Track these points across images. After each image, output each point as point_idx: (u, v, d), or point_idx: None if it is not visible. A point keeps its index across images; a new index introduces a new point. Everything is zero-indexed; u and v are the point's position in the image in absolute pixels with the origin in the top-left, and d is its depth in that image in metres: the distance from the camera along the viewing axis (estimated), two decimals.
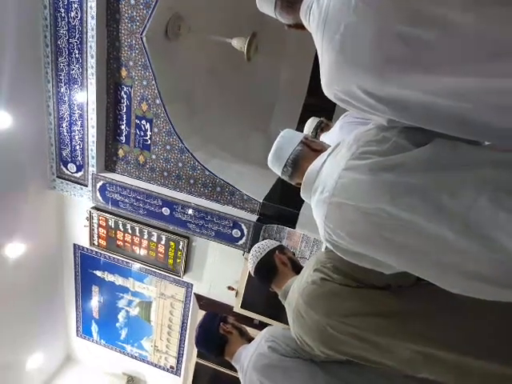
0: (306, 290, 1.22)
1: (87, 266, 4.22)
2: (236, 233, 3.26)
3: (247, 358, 1.38)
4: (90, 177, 3.44)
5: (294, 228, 3.08)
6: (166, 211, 3.37)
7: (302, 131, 2.36)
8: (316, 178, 1.08)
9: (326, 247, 1.15)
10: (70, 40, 2.90)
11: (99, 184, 3.44)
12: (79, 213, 3.80)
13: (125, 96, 3.10)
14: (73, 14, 2.79)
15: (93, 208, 3.66)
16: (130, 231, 3.71)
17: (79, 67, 2.98)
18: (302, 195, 1.16)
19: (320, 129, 2.60)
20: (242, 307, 3.66)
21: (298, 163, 1.20)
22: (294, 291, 1.29)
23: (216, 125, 3.68)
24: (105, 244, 3.87)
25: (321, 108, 2.93)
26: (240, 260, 3.46)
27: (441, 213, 0.85)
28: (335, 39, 0.94)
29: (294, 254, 1.56)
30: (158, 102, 3.02)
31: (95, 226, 3.77)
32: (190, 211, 3.29)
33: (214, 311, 1.70)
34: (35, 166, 3.41)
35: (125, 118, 3.19)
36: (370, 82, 0.92)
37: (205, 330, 1.53)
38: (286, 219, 3.11)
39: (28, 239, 3.58)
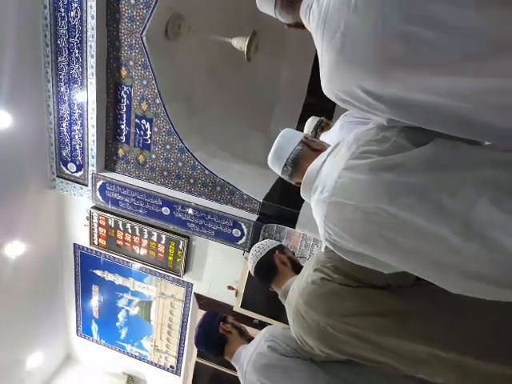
0: (305, 290, 1.22)
1: (87, 266, 4.22)
2: (236, 232, 3.26)
3: (247, 357, 1.38)
4: (89, 176, 3.44)
5: (294, 228, 3.08)
6: (166, 211, 3.37)
7: (302, 131, 2.36)
8: (316, 178, 1.08)
9: (326, 247, 1.15)
10: (70, 39, 2.90)
11: (99, 183, 3.44)
12: (79, 212, 3.80)
13: (125, 95, 3.10)
14: (73, 14, 2.79)
15: (93, 207, 3.66)
16: (130, 231, 3.71)
17: (79, 67, 2.98)
18: (302, 195, 1.17)
19: (320, 128, 2.60)
20: (241, 307, 3.66)
21: (297, 163, 1.20)
22: (294, 291, 1.29)
23: (216, 124, 3.68)
24: (105, 243, 3.87)
25: (321, 108, 2.93)
26: (240, 260, 3.46)
27: (441, 213, 0.85)
28: (335, 38, 0.94)
29: (294, 254, 1.56)
30: (157, 101, 3.02)
31: (95, 225, 3.77)
32: (190, 211, 3.29)
33: (214, 311, 1.70)
34: (35, 166, 3.41)
35: (125, 118, 3.19)
36: (370, 81, 0.92)
37: (204, 329, 1.53)
38: (285, 219, 3.11)
39: (28, 239, 3.58)
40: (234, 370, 1.48)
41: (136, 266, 3.99)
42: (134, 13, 2.75)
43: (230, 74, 3.78)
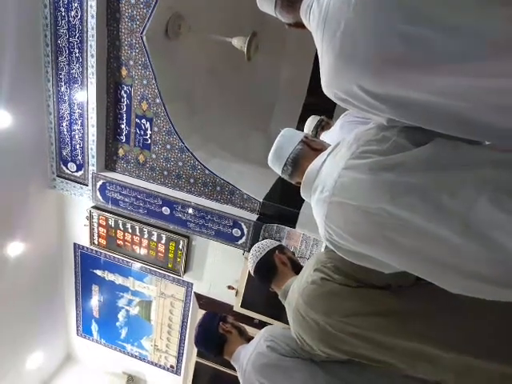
0: (306, 290, 1.22)
1: (87, 266, 4.22)
2: (236, 232, 3.26)
3: (246, 357, 1.38)
4: (90, 176, 3.44)
5: (294, 227, 3.08)
6: (166, 210, 3.37)
7: (303, 131, 2.36)
8: (316, 177, 1.08)
9: (326, 247, 1.15)
10: (70, 39, 2.90)
11: (99, 183, 3.44)
12: (79, 212, 3.80)
13: (125, 95, 3.10)
14: (73, 13, 2.79)
15: (93, 207, 3.66)
16: (130, 230, 3.71)
17: (79, 66, 2.98)
18: (302, 194, 1.16)
19: (320, 127, 2.60)
20: (241, 306, 3.66)
21: (298, 162, 1.20)
22: (294, 291, 1.29)
23: (216, 124, 3.68)
24: (105, 243, 3.87)
25: (321, 107, 2.92)
26: (240, 259, 3.46)
27: (441, 212, 0.85)
28: (335, 38, 0.94)
29: (294, 254, 1.56)
30: (158, 101, 3.02)
31: (95, 225, 3.77)
32: (190, 210, 3.29)
33: (214, 310, 1.70)
34: (35, 166, 3.41)
35: (125, 117, 3.19)
36: (370, 80, 0.92)
37: (204, 329, 1.54)
38: (286, 219, 3.11)
39: (28, 238, 3.58)
40: (234, 369, 1.48)
41: (136, 265, 3.99)
42: (135, 12, 2.75)
43: (230, 73, 3.78)
